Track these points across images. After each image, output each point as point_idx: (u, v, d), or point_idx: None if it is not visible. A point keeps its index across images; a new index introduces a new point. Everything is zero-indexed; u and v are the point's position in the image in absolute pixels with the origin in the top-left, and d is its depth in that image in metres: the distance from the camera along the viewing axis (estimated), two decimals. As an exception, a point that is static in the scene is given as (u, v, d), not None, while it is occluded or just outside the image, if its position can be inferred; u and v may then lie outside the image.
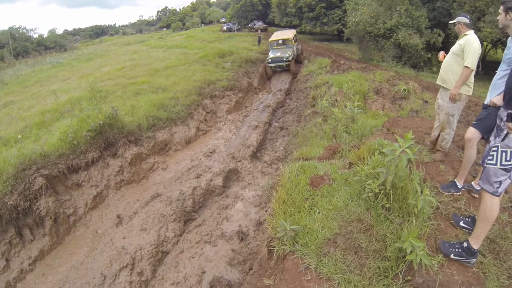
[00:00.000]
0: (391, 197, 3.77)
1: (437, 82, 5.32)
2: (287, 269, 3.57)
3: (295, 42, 22.54)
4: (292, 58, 20.67)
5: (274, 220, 4.19)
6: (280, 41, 22.02)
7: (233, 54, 22.82)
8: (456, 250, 3.17)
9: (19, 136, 9.33)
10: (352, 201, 4.06)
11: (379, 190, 3.78)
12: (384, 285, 3.01)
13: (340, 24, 33.41)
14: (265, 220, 5.44)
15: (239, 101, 15.28)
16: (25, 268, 6.09)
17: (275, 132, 11.79)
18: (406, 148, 3.45)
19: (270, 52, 21.63)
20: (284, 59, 20.15)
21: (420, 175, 4.04)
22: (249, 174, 8.59)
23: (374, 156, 4.29)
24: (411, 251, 2.94)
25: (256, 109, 14.35)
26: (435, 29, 21.00)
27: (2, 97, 17.76)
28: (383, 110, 10.54)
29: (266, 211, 5.56)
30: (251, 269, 5.17)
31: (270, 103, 14.91)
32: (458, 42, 4.86)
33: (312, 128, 9.05)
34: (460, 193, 4.24)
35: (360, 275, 3.13)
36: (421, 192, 3.42)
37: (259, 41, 30.68)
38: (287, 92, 17.57)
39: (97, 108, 8.72)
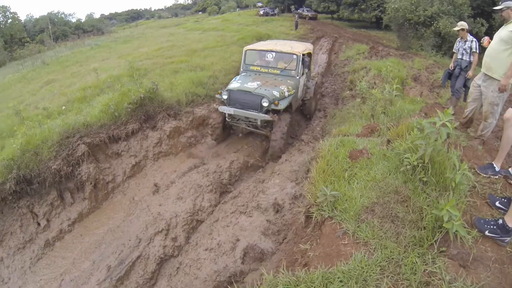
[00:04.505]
0: (429, 171, 3.79)
1: (481, 70, 5.15)
2: (324, 234, 3.67)
3: (304, 68, 9.84)
4: (289, 105, 8.49)
5: (314, 187, 4.27)
6: (270, 56, 9.75)
7: (270, 37, 22.51)
8: (491, 227, 3.19)
9: (63, 107, 9.74)
10: (390, 174, 4.11)
11: (417, 163, 3.80)
12: (419, 253, 3.05)
13: (379, 10, 32.70)
14: (301, 194, 5.52)
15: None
16: (64, 228, 6.40)
17: (312, 113, 11.59)
18: (446, 121, 3.45)
19: (235, 79, 9.27)
20: (263, 102, 7.98)
21: (458, 154, 4.03)
22: (286, 151, 8.60)
23: (413, 132, 4.29)
24: (447, 220, 2.97)
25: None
26: (478, 19, 20.25)
27: (44, 76, 18.44)
28: (421, 97, 10.38)
29: (302, 186, 5.61)
30: (285, 239, 5.31)
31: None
32: (508, 28, 4.63)
33: (350, 109, 9.04)
34: (497, 176, 4.18)
35: (396, 243, 3.19)
36: (459, 168, 3.42)
37: (296, 26, 30.52)
38: (324, 75, 16.42)
39: (138, 83, 8.97)
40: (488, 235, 3.17)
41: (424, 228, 3.26)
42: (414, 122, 4.83)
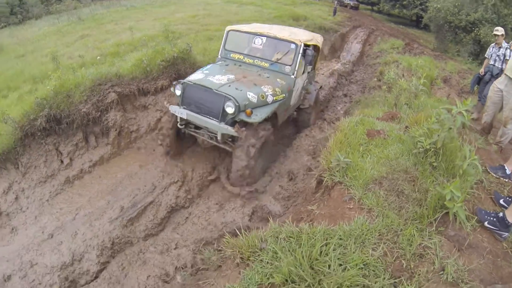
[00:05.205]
0: (440, 156, 3.94)
1: (505, 73, 5.12)
2: (332, 198, 3.89)
3: (306, 65, 7.14)
4: (272, 116, 6.07)
5: (330, 154, 4.47)
6: (259, 42, 6.89)
7: (307, 19, 21.95)
8: (491, 218, 3.31)
9: (98, 57, 10.00)
10: (402, 155, 4.27)
11: (430, 147, 3.95)
12: (417, 228, 3.21)
13: (420, 8, 31.87)
14: (316, 167, 5.69)
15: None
16: (85, 169, 6.68)
17: (338, 97, 11.78)
18: (463, 110, 3.56)
19: (203, 68, 6.89)
20: (226, 107, 5.38)
21: (471, 148, 4.12)
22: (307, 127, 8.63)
23: (431, 119, 4.40)
24: (449, 199, 3.10)
25: (323, 74, 13.80)
26: (521, 33, 19.57)
27: (79, 31, 18.52)
28: (447, 98, 10.30)
29: (318, 160, 5.74)
30: (293, 203, 5.52)
31: (338, 69, 14.54)
32: None
33: (375, 97, 9.06)
34: (507, 180, 4.26)
35: (397, 215, 3.37)
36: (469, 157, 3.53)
37: (334, 12, 30.00)
38: (355, 64, 16.38)
39: (172, 44, 9.15)
40: (487, 226, 3.29)
41: (427, 206, 3.41)
42: (434, 113, 4.95)
